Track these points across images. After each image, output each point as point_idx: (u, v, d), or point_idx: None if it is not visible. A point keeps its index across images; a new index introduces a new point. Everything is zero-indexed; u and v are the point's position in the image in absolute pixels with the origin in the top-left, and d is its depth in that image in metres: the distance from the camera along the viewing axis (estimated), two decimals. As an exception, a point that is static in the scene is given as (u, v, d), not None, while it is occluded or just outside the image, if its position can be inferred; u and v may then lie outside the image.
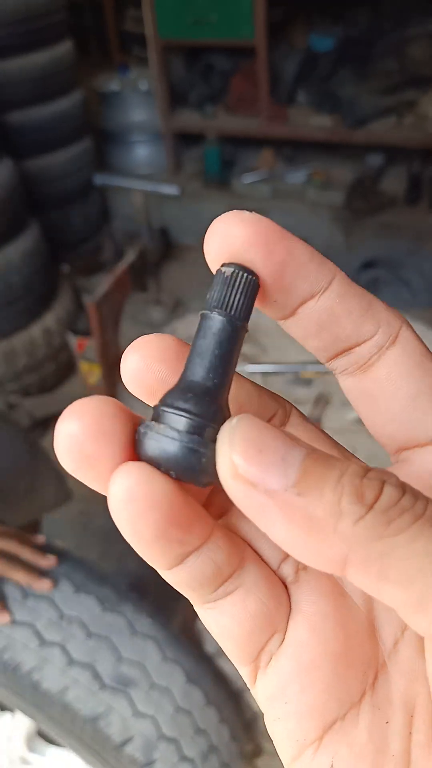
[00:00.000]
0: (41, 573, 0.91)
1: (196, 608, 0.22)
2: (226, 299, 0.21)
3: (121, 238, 2.96)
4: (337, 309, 0.22)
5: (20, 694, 0.87)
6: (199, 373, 0.20)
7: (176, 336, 0.22)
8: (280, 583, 0.23)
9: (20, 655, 0.85)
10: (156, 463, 0.19)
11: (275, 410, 0.24)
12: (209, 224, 0.21)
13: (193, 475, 0.19)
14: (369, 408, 0.23)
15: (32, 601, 0.89)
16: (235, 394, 0.22)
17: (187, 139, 3.32)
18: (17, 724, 0.96)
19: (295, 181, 3.07)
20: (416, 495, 0.18)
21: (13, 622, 0.87)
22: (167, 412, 0.20)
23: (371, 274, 2.67)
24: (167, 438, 0.19)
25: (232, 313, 0.21)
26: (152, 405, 0.21)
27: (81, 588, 0.91)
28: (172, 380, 0.21)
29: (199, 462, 0.19)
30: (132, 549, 0.20)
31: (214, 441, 0.19)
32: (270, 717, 0.22)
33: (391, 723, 0.21)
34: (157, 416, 0.20)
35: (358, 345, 0.22)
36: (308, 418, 0.25)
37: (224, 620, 0.22)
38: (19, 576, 0.89)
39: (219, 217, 0.21)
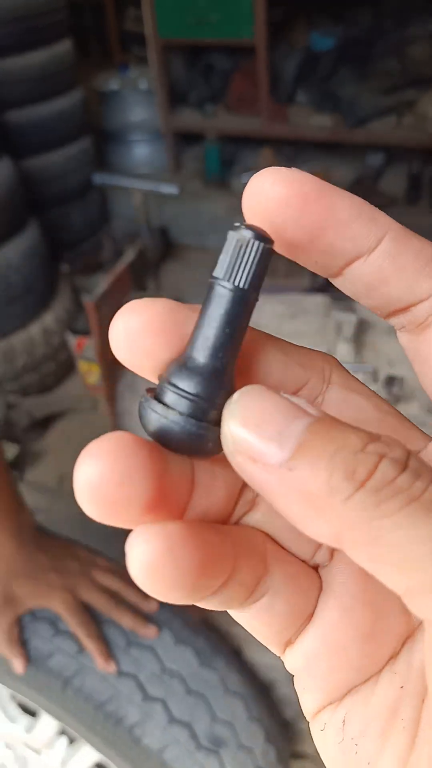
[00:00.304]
0: (145, 618, 0.84)
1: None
2: (238, 268, 0.19)
3: (120, 238, 2.96)
4: (388, 269, 0.20)
5: (117, 747, 0.83)
6: (207, 348, 0.20)
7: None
8: (309, 574, 0.22)
9: (124, 708, 0.81)
10: (161, 443, 0.20)
11: (305, 380, 0.22)
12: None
13: (199, 457, 0.20)
14: (422, 368, 0.22)
15: (136, 650, 0.83)
16: (254, 368, 0.21)
17: (187, 139, 3.32)
18: (81, 757, 0.92)
19: (295, 181, 3.07)
20: (418, 473, 0.16)
21: (119, 672, 0.82)
22: (171, 391, 0.19)
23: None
24: (170, 421, 0.19)
25: (243, 285, 0.19)
26: (142, 375, 0.20)
27: (180, 639, 0.86)
28: (163, 352, 0.20)
29: (205, 446, 0.19)
30: None
31: (217, 424, 0.19)
32: (296, 681, 0.23)
33: (406, 688, 0.21)
34: (162, 392, 0.20)
35: (413, 305, 0.20)
36: (357, 381, 0.22)
37: (254, 623, 0.22)
38: (126, 620, 0.83)
39: (258, 172, 0.20)
